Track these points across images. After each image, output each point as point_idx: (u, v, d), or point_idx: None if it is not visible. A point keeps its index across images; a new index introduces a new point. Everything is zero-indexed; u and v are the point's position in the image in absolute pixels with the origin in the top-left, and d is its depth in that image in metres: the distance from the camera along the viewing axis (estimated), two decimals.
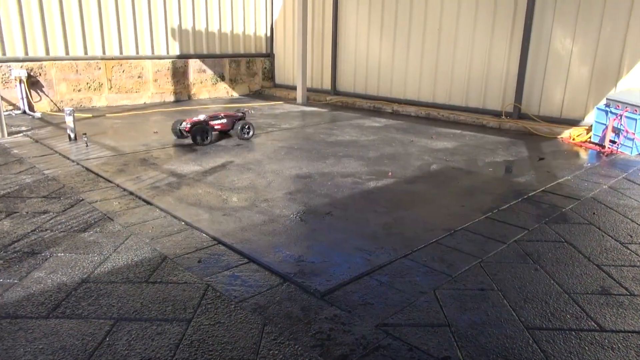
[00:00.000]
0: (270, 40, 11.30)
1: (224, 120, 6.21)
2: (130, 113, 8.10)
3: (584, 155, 5.89)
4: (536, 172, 5.03)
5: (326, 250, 3.09)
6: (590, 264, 2.99)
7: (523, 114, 7.53)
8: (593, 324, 2.35)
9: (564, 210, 3.92)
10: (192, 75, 9.91)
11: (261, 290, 2.59)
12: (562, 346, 2.17)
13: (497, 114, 7.80)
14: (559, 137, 6.77)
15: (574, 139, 6.51)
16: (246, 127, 6.20)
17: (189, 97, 9.95)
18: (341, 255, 3.03)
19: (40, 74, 7.94)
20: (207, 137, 5.85)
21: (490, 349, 2.15)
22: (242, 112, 6.57)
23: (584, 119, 6.94)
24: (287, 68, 11.16)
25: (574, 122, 6.99)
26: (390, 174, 4.78)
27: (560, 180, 4.71)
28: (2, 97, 6.90)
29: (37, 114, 7.59)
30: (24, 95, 7.69)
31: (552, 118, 7.25)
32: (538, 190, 4.39)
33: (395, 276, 2.78)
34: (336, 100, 9.80)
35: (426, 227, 3.50)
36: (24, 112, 7.71)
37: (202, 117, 6.09)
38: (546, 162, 5.44)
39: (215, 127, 6.12)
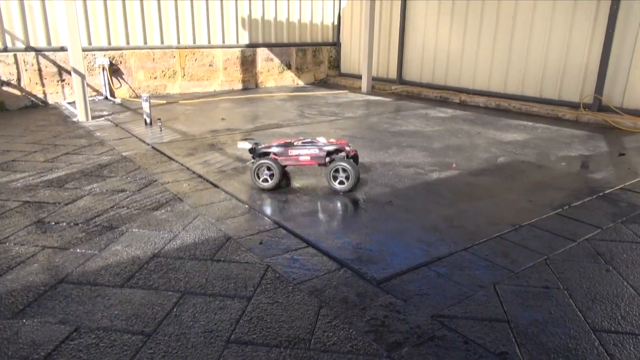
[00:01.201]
0: (337, 28, 11.30)
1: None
2: (201, 100, 8.45)
3: None
4: (615, 168, 4.70)
5: (385, 239, 3.09)
6: None
7: (604, 106, 7.03)
8: None
9: None
10: (260, 64, 10.15)
11: (318, 274, 2.65)
12: (631, 351, 2.05)
13: (574, 106, 7.34)
14: None
15: None
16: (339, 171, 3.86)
17: (257, 86, 10.21)
18: (400, 244, 3.02)
19: (120, 62, 8.47)
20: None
21: (551, 348, 2.07)
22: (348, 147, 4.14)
23: None
24: (353, 57, 11.12)
25: None
26: (454, 165, 4.67)
27: None
28: (87, 83, 7.45)
29: (117, 100, 8.12)
30: (106, 82, 8.25)
31: (637, 111, 6.70)
32: (616, 188, 4.11)
33: (454, 268, 2.73)
34: (401, 89, 9.65)
35: (490, 221, 3.39)
36: (106, 97, 8.28)
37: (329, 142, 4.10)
38: (627, 158, 5.06)
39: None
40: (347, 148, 4.09)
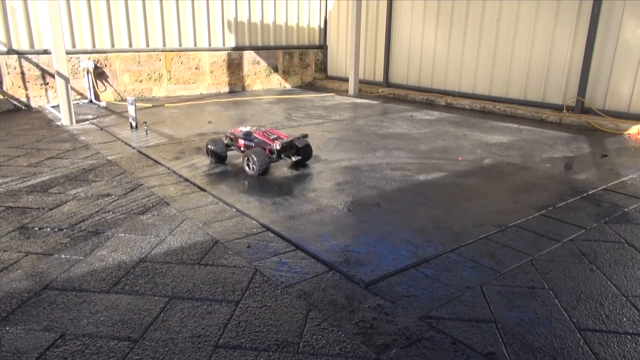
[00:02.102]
0: (324, 32, 11.33)
1: (251, 143, 4.68)
2: (187, 103, 8.40)
3: None
4: (598, 169, 4.78)
5: (372, 241, 3.10)
6: None
7: (586, 108, 7.15)
8: None
9: (626, 210, 3.71)
10: (247, 67, 10.13)
11: (307, 277, 2.65)
12: (615, 349, 2.08)
13: (557, 108, 7.45)
14: (625, 133, 6.38)
15: None
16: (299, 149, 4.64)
17: (243, 89, 10.18)
18: (387, 246, 3.03)
19: (105, 65, 8.38)
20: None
21: (537, 347, 2.10)
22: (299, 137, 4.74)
23: None
24: (340, 60, 11.16)
25: None
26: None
27: (624, 179, 4.46)
28: (71, 86, 7.36)
29: (102, 103, 8.04)
30: (91, 85, 8.16)
31: (618, 113, 6.83)
32: (599, 189, 4.18)
33: (441, 270, 2.75)
34: (388, 92, 9.70)
35: (476, 222, 3.42)
36: (90, 101, 8.18)
37: (243, 129, 4.82)
38: (610, 159, 5.15)
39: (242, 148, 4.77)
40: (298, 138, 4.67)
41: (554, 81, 7.50)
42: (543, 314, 2.34)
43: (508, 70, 8.05)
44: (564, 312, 2.36)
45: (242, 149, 4.73)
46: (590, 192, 4.08)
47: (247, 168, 4.46)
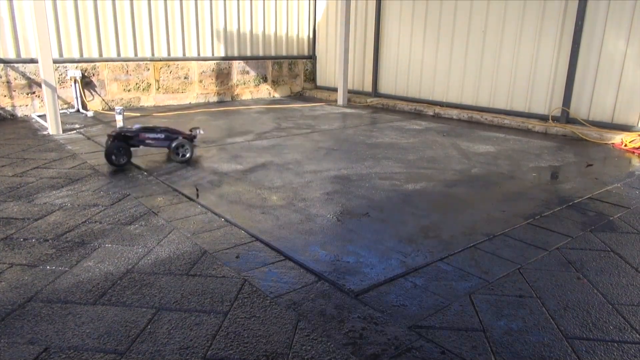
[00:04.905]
0: (313, 42, 11.40)
1: (161, 135, 5.18)
2: (176, 113, 8.37)
3: (636, 162, 5.63)
4: (583, 178, 4.85)
5: (362, 250, 3.10)
6: (637, 275, 2.86)
7: (571, 118, 7.26)
8: (638, 336, 2.25)
9: (611, 218, 3.77)
10: (236, 77, 10.14)
11: (296, 287, 2.63)
12: (602, 357, 2.10)
13: (543, 118, 7.56)
14: (609, 142, 6.49)
15: (626, 145, 6.23)
16: (183, 147, 5.14)
17: (232, 98, 10.18)
18: (377, 256, 3.03)
19: (93, 75, 8.34)
20: (124, 156, 4.93)
21: (526, 356, 2.10)
22: (192, 133, 5.45)
23: (637, 124, 6.62)
24: (329, 70, 11.22)
25: (626, 128, 6.68)
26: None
27: (608, 188, 4.53)
28: (58, 96, 7.30)
29: (90, 113, 7.97)
30: (78, 95, 8.10)
31: (602, 123, 6.95)
32: (584, 197, 4.23)
33: (430, 279, 2.76)
34: (377, 102, 9.77)
35: (464, 231, 3.45)
36: (78, 110, 8.12)
37: (136, 126, 5.22)
38: (594, 169, 5.23)
39: (147, 141, 5.14)
40: (187, 133, 5.34)
41: (539, 92, 7.62)
42: (531, 322, 2.36)
43: (494, 81, 8.16)
44: (551, 320, 2.38)
45: (147, 142, 5.14)
46: (576, 201, 4.13)
47: (177, 156, 5.11)
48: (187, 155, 5.16)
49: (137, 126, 5.20)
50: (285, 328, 2.27)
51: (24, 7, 7.47)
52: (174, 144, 5.11)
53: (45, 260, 2.90)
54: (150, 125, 5.64)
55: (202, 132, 5.65)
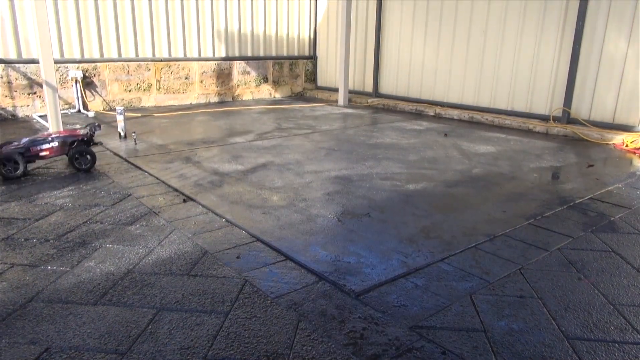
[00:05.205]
0: (314, 42, 11.40)
1: (54, 144, 4.72)
2: (177, 113, 8.38)
3: (637, 162, 5.62)
4: (584, 179, 4.85)
5: (362, 251, 3.10)
6: (639, 275, 2.86)
7: (572, 118, 7.26)
8: (639, 337, 2.25)
9: (612, 219, 3.76)
10: (237, 77, 10.14)
11: (297, 288, 2.63)
12: (603, 358, 2.10)
13: (544, 119, 7.55)
14: (610, 143, 6.48)
15: (627, 146, 6.22)
16: (83, 154, 4.72)
17: (233, 99, 10.19)
18: (377, 256, 3.03)
19: (94, 75, 8.34)
20: (15, 169, 4.44)
21: (527, 357, 2.10)
22: (89, 130, 4.97)
23: (638, 124, 6.61)
24: (330, 70, 11.23)
25: (627, 128, 6.68)
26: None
27: (609, 188, 4.52)
28: (59, 96, 7.31)
29: (91, 113, 7.98)
30: (79, 95, 8.11)
31: (603, 123, 6.95)
32: (585, 198, 4.23)
33: (431, 279, 2.76)
34: (377, 102, 9.77)
35: (465, 231, 3.44)
36: (79, 110, 8.12)
37: (24, 140, 4.68)
38: (595, 169, 5.23)
39: (41, 154, 4.67)
40: (81, 132, 4.96)
41: (540, 92, 7.61)
42: (532, 323, 2.36)
43: (495, 81, 8.16)
44: (552, 321, 2.38)
45: (47, 153, 4.70)
46: (577, 202, 4.13)
47: (77, 165, 4.71)
48: (89, 165, 4.72)
49: (24, 140, 4.67)
50: (286, 328, 2.27)
51: (25, 8, 7.48)
52: (71, 153, 4.68)
53: (46, 260, 2.91)
54: (41, 135, 5.03)
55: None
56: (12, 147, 4.50)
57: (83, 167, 4.72)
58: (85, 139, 4.88)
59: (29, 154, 4.58)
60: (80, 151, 4.72)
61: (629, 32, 6.53)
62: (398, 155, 5.64)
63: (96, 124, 5.12)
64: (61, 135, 4.83)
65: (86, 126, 5.03)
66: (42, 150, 4.65)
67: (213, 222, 3.55)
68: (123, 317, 2.34)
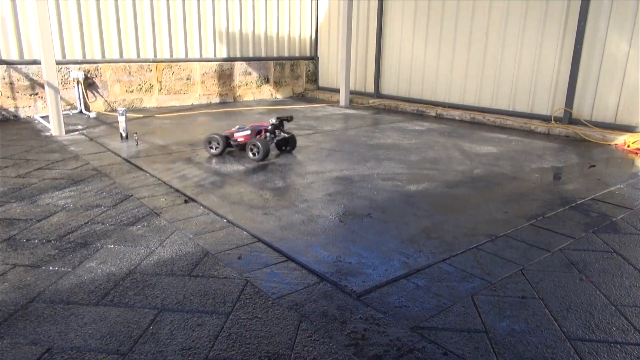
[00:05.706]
0: (315, 43, 11.40)
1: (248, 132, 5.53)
2: (178, 114, 8.39)
3: (639, 163, 5.61)
4: (586, 179, 4.84)
5: (364, 251, 3.10)
6: None
7: (574, 119, 7.25)
8: None
9: (614, 219, 3.75)
10: (238, 78, 10.15)
11: (298, 288, 2.63)
12: (605, 359, 2.09)
13: (546, 119, 7.55)
14: (612, 143, 6.47)
15: (629, 146, 6.21)
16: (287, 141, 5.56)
17: (234, 99, 10.20)
18: (379, 257, 3.03)
19: (96, 76, 8.36)
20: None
21: (528, 357, 2.10)
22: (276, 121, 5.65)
23: None
24: (331, 71, 11.23)
25: (629, 129, 6.67)
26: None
27: (611, 189, 4.51)
28: (61, 97, 7.32)
29: (93, 114, 8.00)
30: (81, 96, 8.12)
31: (605, 124, 6.94)
32: (587, 198, 4.22)
33: (432, 280, 2.75)
34: (379, 103, 9.77)
35: (467, 232, 3.44)
36: (80, 111, 8.14)
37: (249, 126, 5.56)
38: (597, 170, 5.22)
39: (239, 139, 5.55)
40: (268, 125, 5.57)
41: (542, 92, 7.60)
42: (534, 323, 2.35)
43: (496, 82, 8.15)
44: (554, 321, 2.37)
45: (238, 141, 5.51)
46: (578, 202, 4.12)
47: (251, 155, 5.24)
48: (259, 154, 5.21)
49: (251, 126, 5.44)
50: (287, 329, 2.27)
51: (27, 9, 7.50)
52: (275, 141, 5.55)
53: (48, 261, 2.91)
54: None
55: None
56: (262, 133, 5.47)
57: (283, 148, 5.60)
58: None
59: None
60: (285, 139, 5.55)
61: (630, 32, 6.52)
62: (399, 155, 5.64)
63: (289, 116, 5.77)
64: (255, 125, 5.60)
65: (285, 117, 5.72)
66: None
67: (214, 222, 3.55)
68: (124, 317, 2.34)
